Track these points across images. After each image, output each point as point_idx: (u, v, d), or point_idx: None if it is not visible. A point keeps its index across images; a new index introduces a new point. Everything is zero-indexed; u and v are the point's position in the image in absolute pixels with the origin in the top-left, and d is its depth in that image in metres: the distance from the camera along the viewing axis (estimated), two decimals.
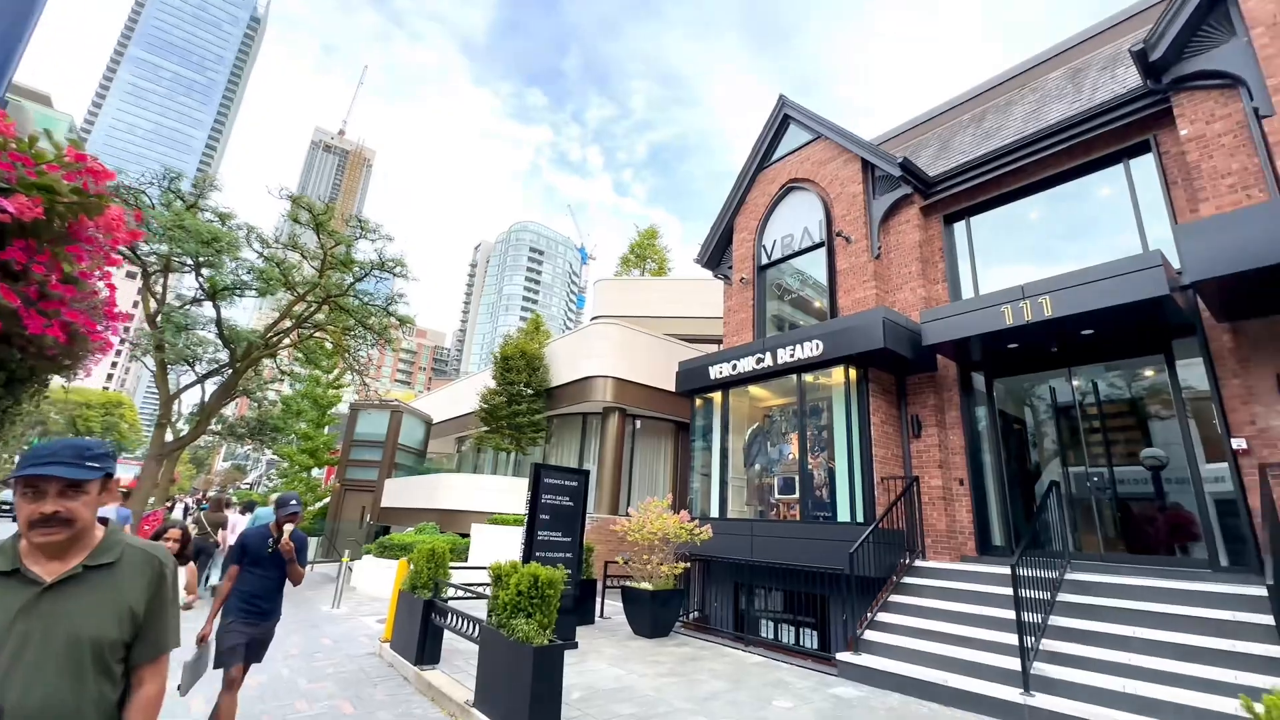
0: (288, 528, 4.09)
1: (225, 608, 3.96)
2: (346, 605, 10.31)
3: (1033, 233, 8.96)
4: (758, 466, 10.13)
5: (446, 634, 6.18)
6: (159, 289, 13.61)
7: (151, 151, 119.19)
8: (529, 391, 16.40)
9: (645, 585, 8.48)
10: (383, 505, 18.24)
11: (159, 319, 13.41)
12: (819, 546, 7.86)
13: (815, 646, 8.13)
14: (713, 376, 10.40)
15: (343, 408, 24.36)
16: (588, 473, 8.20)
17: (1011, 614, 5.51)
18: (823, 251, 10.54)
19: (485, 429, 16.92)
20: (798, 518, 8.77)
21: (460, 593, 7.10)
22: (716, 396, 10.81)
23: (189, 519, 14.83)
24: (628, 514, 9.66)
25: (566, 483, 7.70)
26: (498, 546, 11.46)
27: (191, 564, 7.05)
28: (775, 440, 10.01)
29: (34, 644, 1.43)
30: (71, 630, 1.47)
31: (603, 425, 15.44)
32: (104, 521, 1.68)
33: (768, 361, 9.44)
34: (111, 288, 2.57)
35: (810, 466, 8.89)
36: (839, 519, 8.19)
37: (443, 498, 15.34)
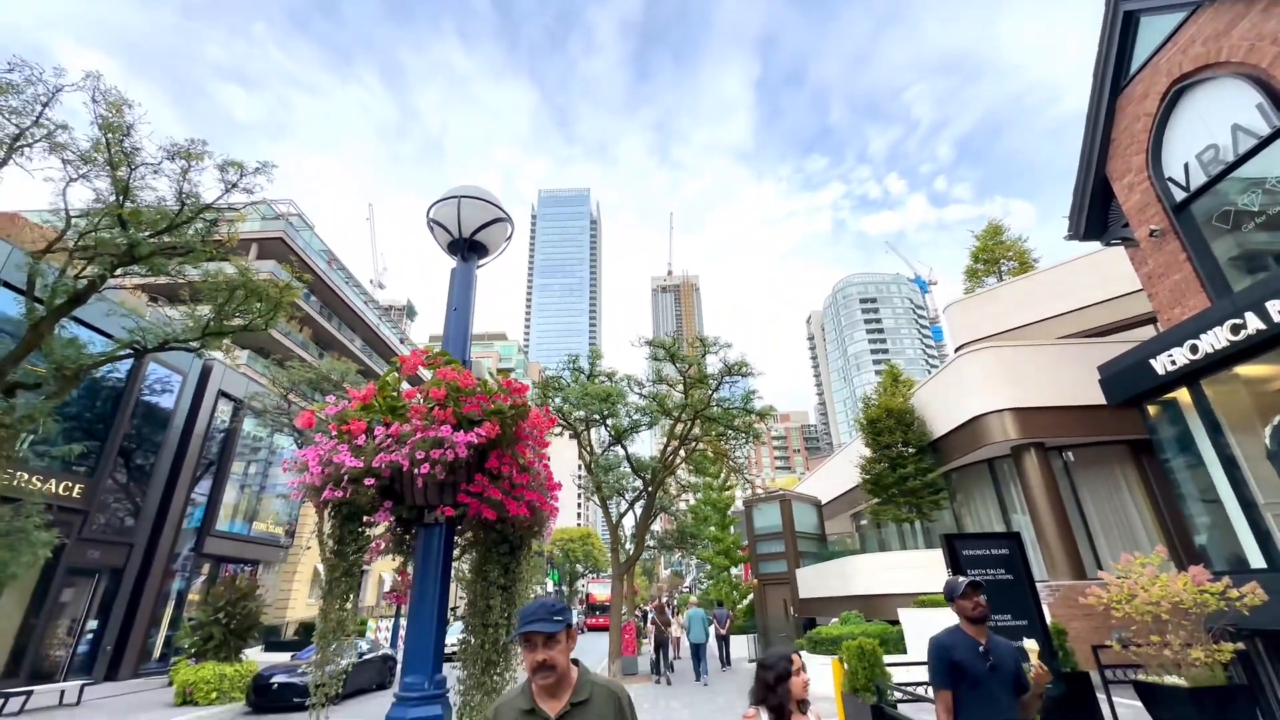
0: (1031, 646, 2.88)
1: None
2: None
3: None
4: None
5: None
6: (588, 443, 17.71)
7: (560, 345, 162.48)
8: (910, 451, 14.85)
9: (1175, 680, 6.06)
10: (800, 597, 18.29)
11: (592, 466, 17.33)
12: None
13: None
14: (1161, 371, 7.63)
15: (739, 506, 26.33)
16: (1018, 535, 6.64)
17: None
18: None
19: (876, 501, 15.81)
20: None
21: (906, 695, 6.32)
22: (1181, 395, 7.80)
23: (649, 622, 17.96)
24: (1099, 577, 7.37)
25: (992, 551, 6.36)
26: (934, 632, 10.02)
27: None
28: None
29: None
30: None
31: (1019, 469, 12.65)
32: (576, 663, 2.08)
33: (1255, 325, 6.47)
34: (548, 469, 3.43)
35: None
36: None
37: (855, 583, 14.52)
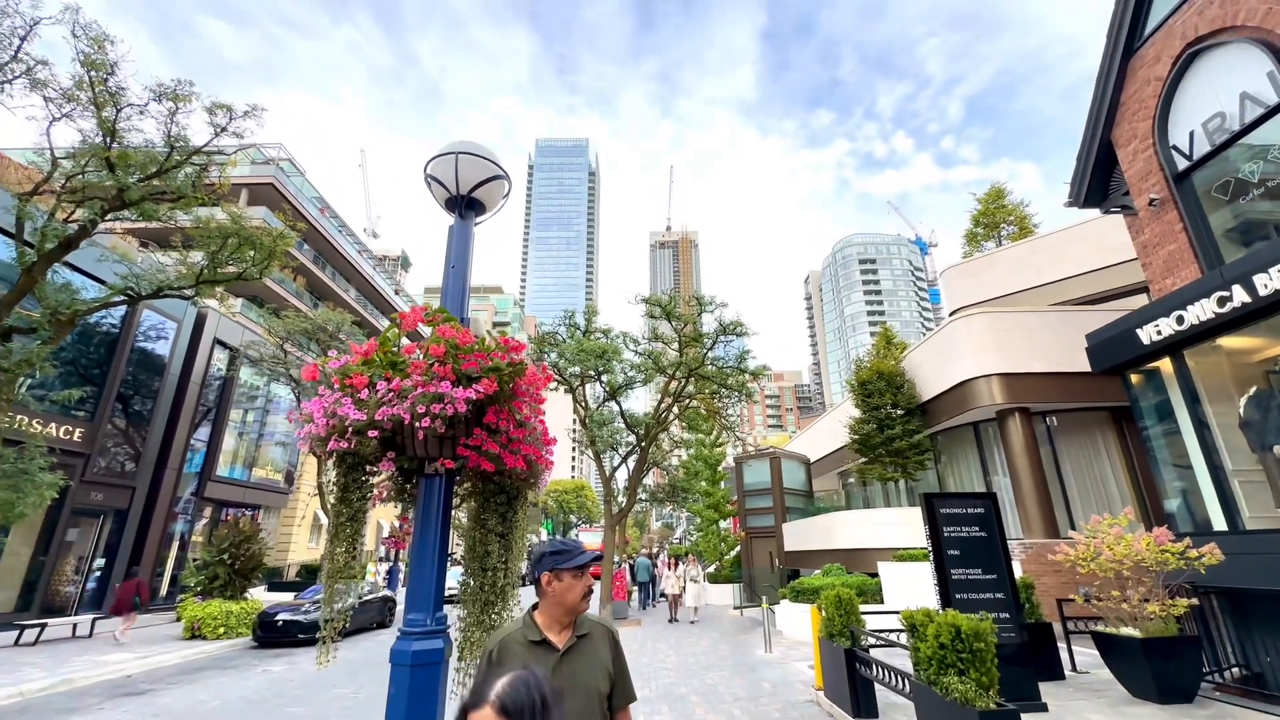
0: None
1: None
2: (777, 649, 10.86)
3: None
4: (1279, 450, 6.87)
5: (877, 684, 5.87)
6: (582, 398, 17.94)
7: (556, 299, 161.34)
8: (898, 412, 15.15)
9: (1130, 631, 6.45)
10: (786, 549, 18.98)
11: (587, 421, 17.61)
12: None
13: None
14: (1146, 341, 7.77)
15: (730, 463, 26.90)
16: (993, 496, 6.92)
17: None
18: None
19: (863, 460, 16.22)
20: None
21: (878, 640, 6.70)
22: (1163, 365, 7.98)
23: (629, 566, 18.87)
24: (1069, 537, 7.72)
25: (969, 510, 6.65)
26: (910, 585, 10.52)
27: None
28: None
29: (565, 693, 1.90)
30: (584, 683, 1.94)
31: (1002, 432, 12.98)
32: None
33: (1241, 298, 6.57)
34: (544, 424, 3.55)
35: None
36: None
37: (839, 537, 15.07)
